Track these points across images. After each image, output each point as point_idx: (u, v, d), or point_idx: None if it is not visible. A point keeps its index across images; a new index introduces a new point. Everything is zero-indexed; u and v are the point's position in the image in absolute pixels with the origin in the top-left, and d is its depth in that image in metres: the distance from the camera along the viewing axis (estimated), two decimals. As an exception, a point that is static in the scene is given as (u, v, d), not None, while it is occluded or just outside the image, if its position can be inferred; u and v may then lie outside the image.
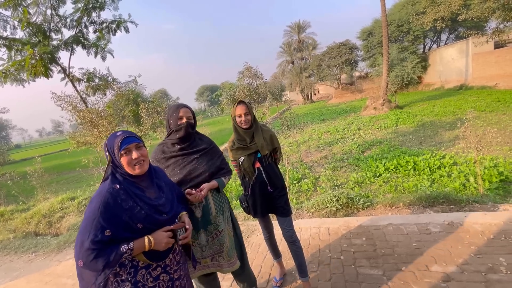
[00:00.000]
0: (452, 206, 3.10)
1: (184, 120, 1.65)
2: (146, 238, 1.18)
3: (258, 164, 2.03)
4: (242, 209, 2.22)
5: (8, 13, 5.73)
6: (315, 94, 41.00)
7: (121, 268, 1.17)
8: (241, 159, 2.02)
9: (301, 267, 2.12)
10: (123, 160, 1.20)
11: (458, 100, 13.36)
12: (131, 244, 1.14)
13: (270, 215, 2.31)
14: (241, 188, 2.17)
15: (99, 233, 1.09)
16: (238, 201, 2.31)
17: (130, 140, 1.22)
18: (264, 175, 2.03)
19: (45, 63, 5.60)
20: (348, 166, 6.53)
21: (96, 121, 4.34)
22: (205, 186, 1.62)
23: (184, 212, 1.39)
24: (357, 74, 31.70)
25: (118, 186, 1.18)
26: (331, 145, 8.73)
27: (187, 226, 1.31)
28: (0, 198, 7.32)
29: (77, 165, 7.06)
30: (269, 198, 2.07)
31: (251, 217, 3.02)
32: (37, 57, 5.35)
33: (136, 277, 1.19)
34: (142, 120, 5.03)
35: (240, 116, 1.94)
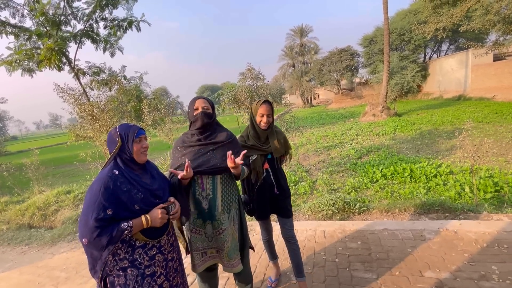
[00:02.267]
0: (447, 214, 3.13)
1: (200, 110, 1.69)
2: (143, 217, 1.29)
3: (266, 166, 2.02)
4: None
5: (21, 0, 5.77)
6: (315, 98, 41.17)
7: (120, 246, 1.28)
8: (253, 158, 1.98)
9: (298, 267, 2.13)
10: (135, 147, 1.37)
11: (456, 110, 13.49)
12: (130, 222, 1.25)
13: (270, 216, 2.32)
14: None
15: (102, 211, 1.20)
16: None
17: (143, 132, 1.44)
18: (272, 177, 2.02)
19: (60, 57, 5.68)
20: (345, 170, 6.56)
21: (97, 115, 4.33)
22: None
23: (172, 197, 1.50)
24: (357, 80, 31.90)
25: (117, 171, 1.32)
26: (329, 150, 8.76)
27: (171, 200, 1.44)
28: (-6, 189, 7.26)
29: (74, 159, 7.01)
30: (275, 200, 2.06)
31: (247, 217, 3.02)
32: (53, 50, 5.39)
33: (133, 256, 1.29)
34: (143, 116, 5.04)
35: (262, 116, 1.92)
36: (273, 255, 2.36)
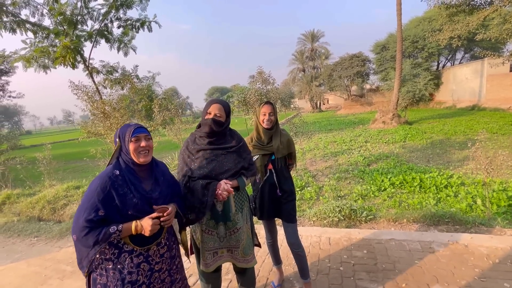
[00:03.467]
0: (457, 227, 3.04)
1: (211, 115, 1.67)
2: (134, 222, 1.26)
3: (270, 166, 2.05)
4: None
5: (40, 0, 6.10)
6: (324, 104, 40.96)
7: (107, 247, 1.27)
8: (255, 157, 2.02)
9: (303, 271, 2.12)
10: (131, 146, 1.32)
11: (470, 121, 13.17)
12: (120, 226, 1.23)
13: (276, 220, 2.29)
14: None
15: (93, 212, 1.20)
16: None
17: (142, 130, 1.37)
18: (274, 178, 2.05)
19: (74, 55, 5.95)
20: (352, 177, 6.47)
21: (108, 113, 4.43)
22: (227, 186, 1.60)
23: (172, 204, 1.44)
24: (367, 86, 31.59)
25: (118, 172, 1.29)
26: (336, 156, 8.67)
27: (168, 207, 1.37)
28: (8, 181, 7.46)
29: (85, 155, 7.17)
30: (277, 202, 2.07)
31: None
32: (69, 48, 5.65)
33: (119, 259, 1.27)
34: (154, 115, 5.12)
35: (264, 115, 2.00)
36: (277, 260, 2.34)
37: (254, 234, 1.92)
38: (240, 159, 1.74)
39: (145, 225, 1.26)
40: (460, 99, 19.89)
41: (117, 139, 1.35)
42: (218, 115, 1.68)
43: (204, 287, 1.88)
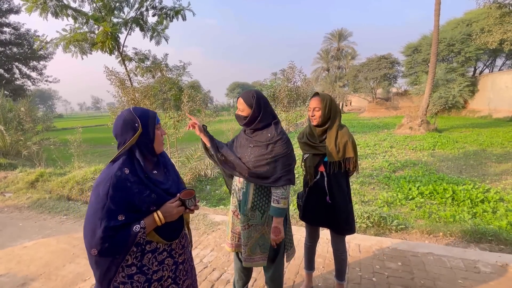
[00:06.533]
0: (502, 247, 2.78)
1: (237, 111, 1.69)
2: (155, 214, 1.14)
3: (322, 168, 1.81)
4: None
5: None
6: (346, 105, 39.88)
7: (134, 250, 1.13)
8: (305, 156, 1.88)
9: (341, 272, 2.01)
10: (157, 135, 1.21)
11: (508, 132, 12.22)
12: (142, 223, 1.10)
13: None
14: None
15: (112, 219, 1.05)
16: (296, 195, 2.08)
17: (159, 119, 1.26)
18: (325, 183, 1.80)
19: (113, 41, 6.17)
20: (377, 183, 6.22)
21: (138, 100, 4.51)
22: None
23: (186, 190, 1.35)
24: (394, 90, 30.33)
25: (127, 170, 1.12)
26: (359, 159, 8.37)
27: (192, 190, 1.26)
28: (41, 160, 7.90)
29: (112, 140, 7.37)
30: (326, 209, 1.83)
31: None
32: (108, 34, 5.86)
33: (142, 261, 1.15)
34: (182, 105, 5.15)
35: (310, 110, 1.78)
36: (310, 265, 2.13)
37: (283, 243, 1.73)
38: (264, 155, 1.58)
39: (169, 210, 1.16)
40: (498, 108, 18.52)
41: (136, 125, 1.14)
42: (240, 109, 1.64)
43: (235, 267, 1.87)
